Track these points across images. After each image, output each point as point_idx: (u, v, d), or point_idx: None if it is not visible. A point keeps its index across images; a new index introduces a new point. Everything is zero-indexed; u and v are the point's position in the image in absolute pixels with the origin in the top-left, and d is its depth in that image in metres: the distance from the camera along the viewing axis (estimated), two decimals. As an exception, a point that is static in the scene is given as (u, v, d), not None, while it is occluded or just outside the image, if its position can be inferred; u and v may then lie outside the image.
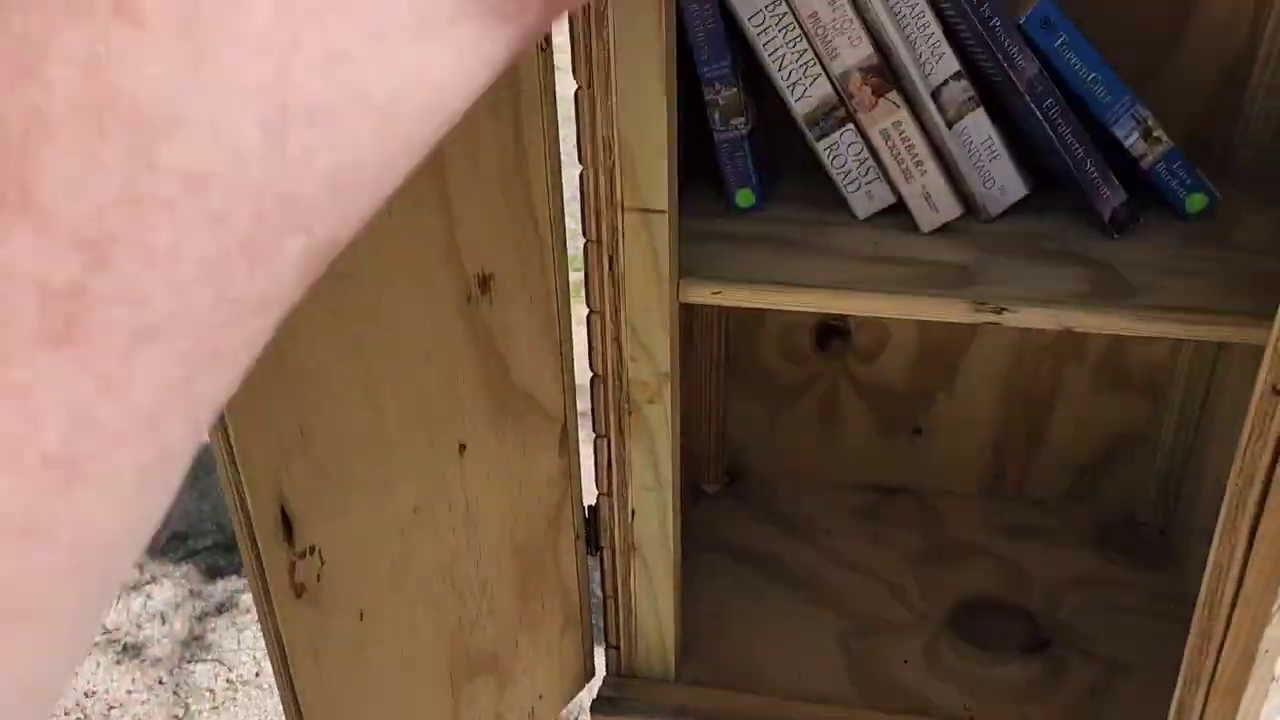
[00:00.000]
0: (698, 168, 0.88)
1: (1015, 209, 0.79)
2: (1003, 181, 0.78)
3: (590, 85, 0.65)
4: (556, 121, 0.70)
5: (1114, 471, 1.04)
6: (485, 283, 0.66)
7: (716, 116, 0.78)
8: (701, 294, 0.73)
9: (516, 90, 0.66)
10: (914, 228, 0.79)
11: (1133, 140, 0.75)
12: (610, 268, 0.71)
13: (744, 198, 0.82)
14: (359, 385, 0.60)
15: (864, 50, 0.73)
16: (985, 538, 1.04)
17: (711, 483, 1.10)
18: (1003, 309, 0.69)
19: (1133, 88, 0.74)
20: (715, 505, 1.09)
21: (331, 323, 0.57)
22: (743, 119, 0.78)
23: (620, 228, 0.70)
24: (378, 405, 0.62)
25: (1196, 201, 0.77)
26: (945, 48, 0.74)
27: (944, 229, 0.78)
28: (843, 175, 0.79)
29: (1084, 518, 1.05)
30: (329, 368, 0.58)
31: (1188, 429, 0.97)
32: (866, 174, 0.79)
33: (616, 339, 0.74)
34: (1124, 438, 1.02)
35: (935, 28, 0.73)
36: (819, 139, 0.78)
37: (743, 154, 0.80)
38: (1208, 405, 0.95)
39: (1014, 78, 0.73)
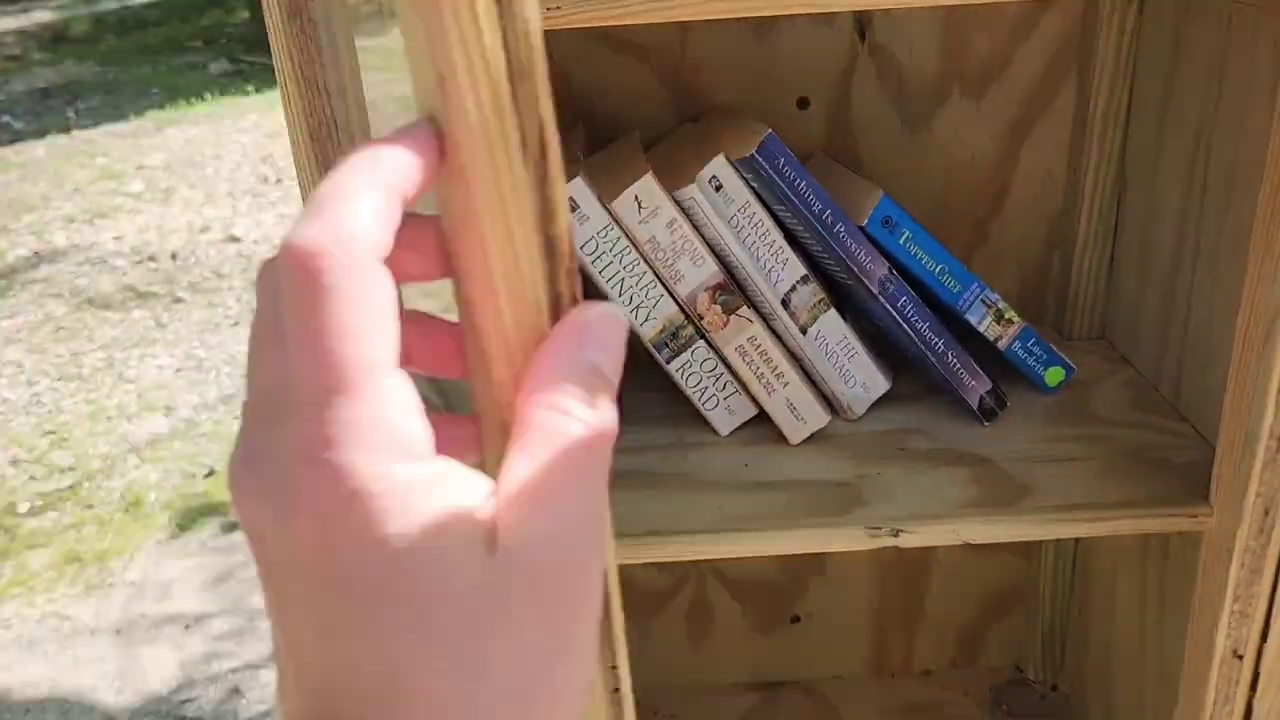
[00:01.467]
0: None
1: (879, 402, 0.75)
2: (864, 379, 0.74)
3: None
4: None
5: (997, 632, 1.00)
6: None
7: (555, 347, 0.71)
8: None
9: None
10: (781, 438, 0.73)
11: (986, 324, 0.73)
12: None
13: (595, 427, 0.74)
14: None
15: (709, 269, 0.68)
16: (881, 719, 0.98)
17: (585, 710, 1.00)
18: (899, 530, 0.64)
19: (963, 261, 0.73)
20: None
21: None
22: (584, 346, 0.71)
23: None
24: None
25: (1055, 375, 0.76)
26: (789, 253, 0.70)
27: (813, 436, 0.73)
28: (700, 393, 0.73)
29: (973, 683, 1.01)
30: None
31: (1062, 580, 0.95)
32: (724, 389, 0.73)
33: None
34: (1003, 597, 0.99)
35: (776, 235, 0.69)
36: (669, 360, 0.71)
37: (588, 382, 0.73)
38: (1079, 553, 0.93)
39: (865, 281, 0.69)
